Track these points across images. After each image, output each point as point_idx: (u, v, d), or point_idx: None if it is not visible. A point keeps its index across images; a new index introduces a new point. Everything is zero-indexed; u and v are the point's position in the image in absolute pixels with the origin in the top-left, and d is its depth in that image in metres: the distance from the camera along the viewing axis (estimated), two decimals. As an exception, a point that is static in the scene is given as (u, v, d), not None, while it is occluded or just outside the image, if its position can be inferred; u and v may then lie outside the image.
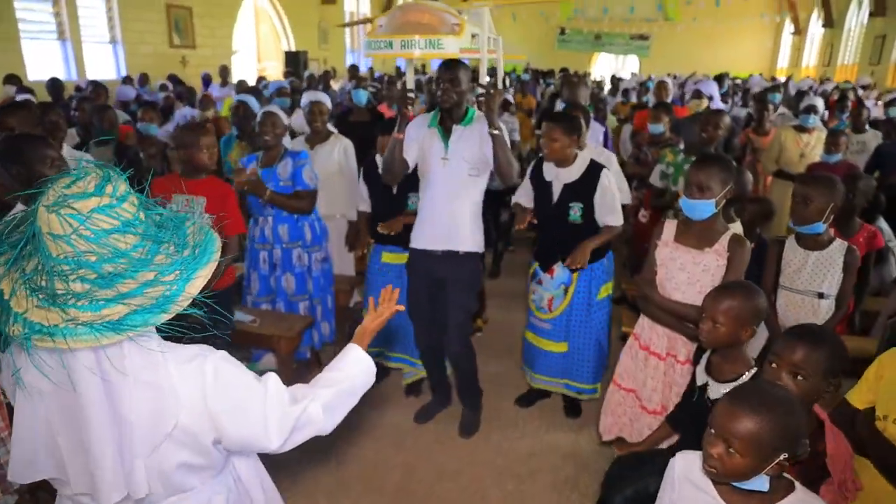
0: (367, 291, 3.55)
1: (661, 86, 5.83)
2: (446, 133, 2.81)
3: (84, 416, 1.10)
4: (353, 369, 1.45)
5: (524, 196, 3.22)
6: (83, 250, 1.02)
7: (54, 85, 6.83)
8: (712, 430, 1.27)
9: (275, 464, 2.87)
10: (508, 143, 2.73)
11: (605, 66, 22.69)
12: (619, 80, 13.02)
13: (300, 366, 3.70)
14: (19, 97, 5.49)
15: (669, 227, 2.36)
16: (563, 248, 2.98)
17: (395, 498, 2.78)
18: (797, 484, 1.30)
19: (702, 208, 2.20)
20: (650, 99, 7.57)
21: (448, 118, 2.81)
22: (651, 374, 2.38)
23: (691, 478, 1.39)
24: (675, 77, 12.28)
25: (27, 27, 8.48)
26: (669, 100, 5.74)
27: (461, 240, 2.86)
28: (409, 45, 2.37)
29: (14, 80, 7.11)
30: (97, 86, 6.18)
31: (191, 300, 1.10)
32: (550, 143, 2.90)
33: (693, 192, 2.19)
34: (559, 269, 3.09)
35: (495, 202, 5.21)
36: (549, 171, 3.03)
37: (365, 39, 2.54)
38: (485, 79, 2.67)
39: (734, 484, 1.28)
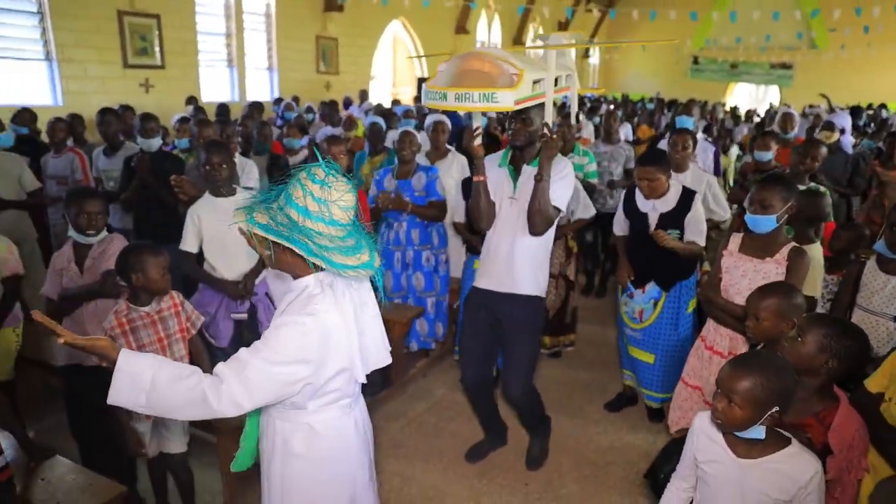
0: (461, 295, 3.93)
1: (787, 118, 5.81)
2: (516, 172, 2.78)
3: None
4: None
5: (621, 227, 3.49)
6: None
7: (222, 107, 8.09)
8: (718, 389, 1.57)
9: (383, 435, 3.40)
10: (562, 189, 2.66)
11: (743, 97, 21.88)
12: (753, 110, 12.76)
13: (411, 353, 4.22)
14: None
15: (735, 238, 2.60)
16: (656, 269, 3.25)
17: (482, 468, 3.17)
18: (794, 440, 1.55)
19: (764, 223, 2.43)
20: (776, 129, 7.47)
21: (519, 158, 2.78)
22: (714, 371, 2.57)
23: (706, 431, 1.68)
24: (809, 107, 11.77)
25: (204, 56, 9.92)
26: (795, 132, 5.71)
27: (523, 282, 2.78)
28: (462, 98, 2.30)
29: (192, 100, 8.46)
30: (257, 106, 7.24)
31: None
32: (650, 183, 3.16)
33: (756, 209, 2.43)
34: (650, 286, 3.35)
35: (604, 224, 5.48)
36: (644, 201, 3.27)
37: (425, 89, 2.48)
38: (548, 119, 2.67)
39: (736, 434, 1.57)
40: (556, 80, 2.68)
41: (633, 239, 3.39)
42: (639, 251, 3.36)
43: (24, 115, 5.27)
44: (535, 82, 2.44)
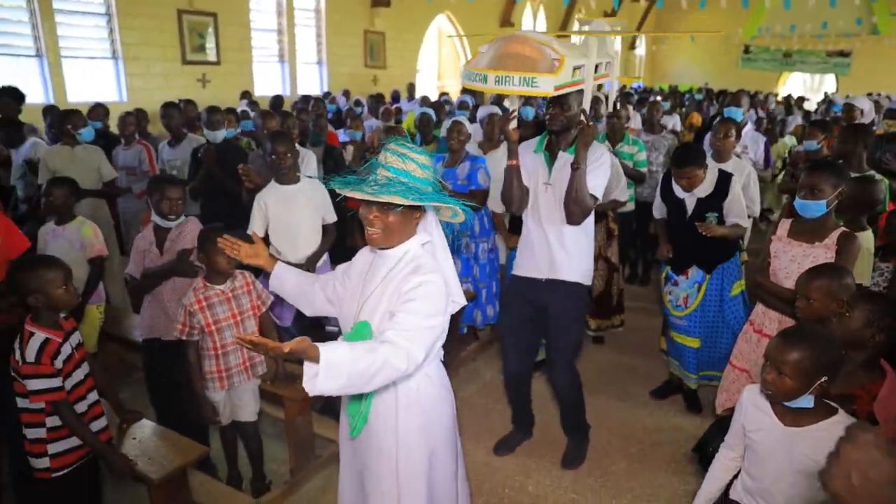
0: (506, 283, 4.03)
1: (850, 108, 5.71)
2: (552, 158, 2.76)
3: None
4: None
5: (660, 210, 3.54)
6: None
7: (276, 99, 8.35)
8: (767, 362, 1.65)
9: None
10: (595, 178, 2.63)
11: (797, 86, 21.19)
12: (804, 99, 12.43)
13: (461, 337, 4.33)
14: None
15: (784, 224, 2.64)
16: (697, 254, 3.28)
17: (531, 445, 3.31)
18: (840, 409, 1.62)
19: (813, 208, 2.46)
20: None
21: (555, 143, 2.76)
22: (762, 353, 2.64)
23: (755, 402, 1.76)
24: (868, 94, 11.36)
25: (257, 52, 10.25)
26: (863, 122, 5.61)
27: (565, 268, 2.77)
28: (503, 81, 2.29)
29: (246, 95, 8.76)
30: (317, 100, 7.48)
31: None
32: (689, 181, 3.20)
33: (806, 194, 2.46)
34: (693, 271, 3.39)
35: (645, 214, 5.50)
36: (680, 188, 3.29)
37: (464, 70, 2.47)
38: (586, 106, 2.64)
39: (785, 404, 1.64)
40: (595, 66, 2.66)
41: (672, 224, 3.42)
42: (678, 236, 3.39)
43: (98, 111, 5.61)
44: (575, 68, 2.46)
